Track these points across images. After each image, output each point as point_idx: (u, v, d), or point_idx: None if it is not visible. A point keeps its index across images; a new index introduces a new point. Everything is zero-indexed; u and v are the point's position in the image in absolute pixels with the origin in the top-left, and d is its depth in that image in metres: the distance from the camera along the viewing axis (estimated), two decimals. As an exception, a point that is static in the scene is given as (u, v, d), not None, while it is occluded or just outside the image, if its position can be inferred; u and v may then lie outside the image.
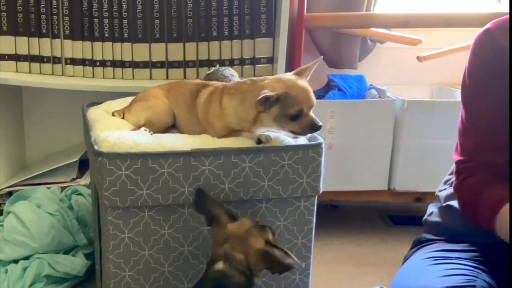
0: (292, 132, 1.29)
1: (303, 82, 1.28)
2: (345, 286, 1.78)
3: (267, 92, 1.20)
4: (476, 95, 1.29)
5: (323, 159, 1.32)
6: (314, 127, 1.26)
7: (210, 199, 1.20)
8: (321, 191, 1.34)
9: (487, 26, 1.27)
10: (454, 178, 1.29)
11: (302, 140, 1.37)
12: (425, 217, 1.53)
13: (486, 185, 1.21)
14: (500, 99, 1.22)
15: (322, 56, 1.32)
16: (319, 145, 1.31)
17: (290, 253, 1.09)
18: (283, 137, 1.34)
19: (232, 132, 1.32)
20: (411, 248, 1.50)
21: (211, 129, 1.36)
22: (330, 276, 1.86)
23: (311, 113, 1.27)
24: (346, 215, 2.41)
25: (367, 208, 2.46)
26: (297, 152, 1.29)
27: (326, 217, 2.32)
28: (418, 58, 2.32)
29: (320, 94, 2.22)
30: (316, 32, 2.30)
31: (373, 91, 2.22)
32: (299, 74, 1.30)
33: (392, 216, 2.39)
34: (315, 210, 1.37)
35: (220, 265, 1.09)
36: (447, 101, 2.14)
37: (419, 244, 1.47)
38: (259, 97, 1.20)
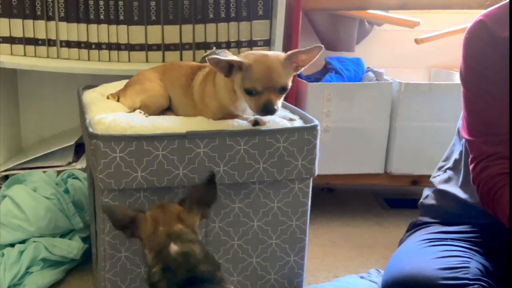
0: (251, 109, 1.27)
1: (274, 62, 1.22)
2: (341, 268, 1.79)
3: (222, 56, 1.22)
4: (476, 88, 1.29)
5: (318, 141, 1.32)
6: (265, 109, 1.22)
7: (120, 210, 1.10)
8: (316, 173, 1.34)
9: (479, 17, 1.27)
10: (471, 166, 1.28)
11: (298, 122, 1.36)
12: (420, 200, 1.53)
13: (504, 179, 1.20)
14: (501, 88, 1.22)
15: (323, 46, 1.24)
16: (314, 128, 1.31)
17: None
18: (279, 119, 1.34)
19: (226, 115, 1.32)
20: (407, 231, 1.51)
21: (206, 110, 1.36)
22: (325, 258, 1.87)
23: (272, 95, 1.21)
24: (343, 198, 2.41)
25: (363, 191, 2.46)
26: (292, 135, 1.29)
27: (322, 200, 2.33)
28: (416, 41, 2.30)
29: (317, 77, 2.21)
30: (314, 14, 2.28)
31: (371, 74, 2.21)
32: (290, 57, 1.24)
33: (388, 199, 2.40)
34: (310, 192, 1.37)
35: (174, 247, 0.98)
36: (444, 83, 2.13)
37: (415, 227, 1.48)
38: (210, 56, 1.22)
